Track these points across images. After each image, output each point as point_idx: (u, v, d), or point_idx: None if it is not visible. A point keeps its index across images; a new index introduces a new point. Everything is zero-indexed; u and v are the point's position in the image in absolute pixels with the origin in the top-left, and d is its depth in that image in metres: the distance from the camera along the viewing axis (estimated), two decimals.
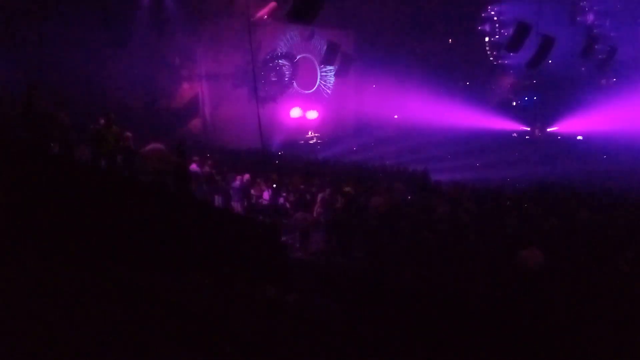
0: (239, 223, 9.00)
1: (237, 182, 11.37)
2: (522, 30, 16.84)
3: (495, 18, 24.81)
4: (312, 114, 27.66)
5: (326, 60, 19.71)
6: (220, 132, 22.81)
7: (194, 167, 10.78)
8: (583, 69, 24.64)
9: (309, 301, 6.12)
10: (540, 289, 6.68)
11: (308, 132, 28.15)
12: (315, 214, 10.92)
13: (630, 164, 21.66)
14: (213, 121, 23.76)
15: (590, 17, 22.27)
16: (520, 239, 7.35)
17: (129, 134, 10.33)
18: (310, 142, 27.93)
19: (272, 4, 23.32)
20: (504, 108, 29.68)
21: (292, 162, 18.36)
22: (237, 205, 11.25)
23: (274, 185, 12.17)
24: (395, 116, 30.72)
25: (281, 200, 11.89)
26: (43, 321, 3.56)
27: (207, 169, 11.47)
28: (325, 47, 21.48)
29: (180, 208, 7.70)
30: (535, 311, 6.49)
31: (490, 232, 9.40)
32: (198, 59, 23.03)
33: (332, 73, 25.68)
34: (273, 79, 25.76)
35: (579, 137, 28.39)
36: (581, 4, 21.56)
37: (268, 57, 25.15)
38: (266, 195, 11.99)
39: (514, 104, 31.13)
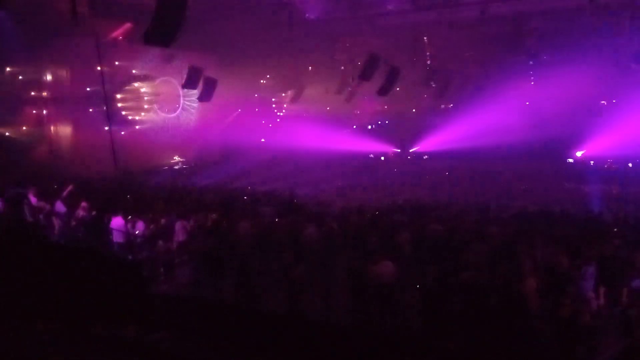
0: (94, 260, 8.35)
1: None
2: (373, 61, 18.40)
3: (349, 49, 26.88)
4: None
5: (188, 84, 19.25)
6: (70, 160, 20.89)
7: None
8: (425, 95, 27.79)
9: (174, 339, 5.88)
10: (394, 300, 7.26)
11: (173, 157, 27.15)
12: (176, 244, 10.48)
13: (468, 178, 24.73)
14: (62, 148, 21.70)
15: (428, 53, 25.53)
16: (376, 254, 7.91)
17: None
18: (175, 167, 26.92)
19: (127, 25, 22.26)
20: (365, 131, 32.04)
21: (153, 189, 17.48)
22: None
23: (129, 217, 11.35)
24: (262, 140, 31.09)
25: (139, 229, 11.12)
26: None
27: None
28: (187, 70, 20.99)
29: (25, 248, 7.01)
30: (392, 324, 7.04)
31: (353, 249, 9.96)
32: (43, 81, 20.94)
33: (195, 97, 25.17)
34: (130, 102, 24.46)
35: (425, 157, 31.61)
36: (420, 42, 24.71)
37: (125, 79, 23.83)
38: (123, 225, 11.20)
39: (370, 127, 33.62)
